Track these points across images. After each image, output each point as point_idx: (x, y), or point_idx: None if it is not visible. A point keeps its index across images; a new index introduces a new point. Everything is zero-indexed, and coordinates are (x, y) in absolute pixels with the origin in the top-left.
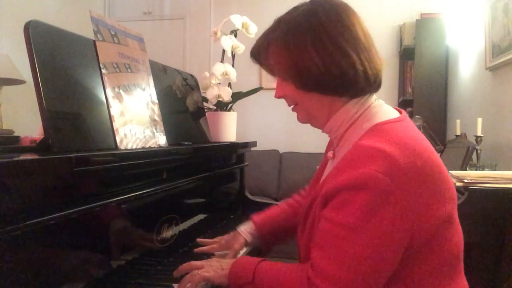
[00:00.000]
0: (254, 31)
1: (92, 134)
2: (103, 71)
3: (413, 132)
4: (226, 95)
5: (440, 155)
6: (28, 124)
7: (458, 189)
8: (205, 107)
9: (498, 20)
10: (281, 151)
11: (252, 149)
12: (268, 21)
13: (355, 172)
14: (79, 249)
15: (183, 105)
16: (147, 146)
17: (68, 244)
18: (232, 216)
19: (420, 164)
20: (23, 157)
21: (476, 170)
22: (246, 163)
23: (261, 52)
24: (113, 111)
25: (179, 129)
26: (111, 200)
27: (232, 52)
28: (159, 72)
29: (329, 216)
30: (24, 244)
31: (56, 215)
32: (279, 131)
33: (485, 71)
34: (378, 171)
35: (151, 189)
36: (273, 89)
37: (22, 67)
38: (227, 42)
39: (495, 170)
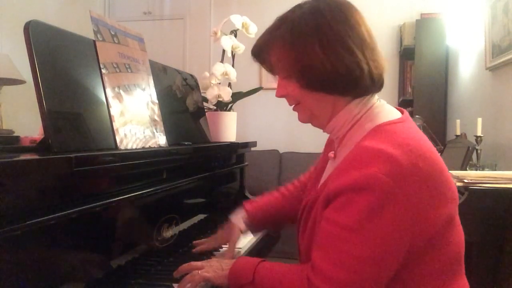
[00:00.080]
0: (254, 31)
1: (92, 134)
2: (103, 71)
3: (415, 133)
4: (226, 95)
5: (440, 155)
6: (28, 124)
7: (458, 189)
8: (205, 107)
9: (498, 20)
10: (281, 151)
11: (252, 149)
12: (268, 21)
13: (357, 173)
14: (79, 249)
15: (183, 105)
16: (147, 146)
17: (68, 244)
18: None
19: (423, 166)
20: (23, 157)
21: (476, 170)
22: (246, 163)
23: (263, 50)
24: (113, 111)
25: (179, 129)
26: (111, 200)
27: (232, 52)
28: (159, 72)
29: (331, 217)
30: (24, 244)
31: (56, 215)
32: (279, 131)
33: (485, 71)
34: (380, 173)
35: (151, 189)
36: (273, 89)
37: (22, 67)
38: (227, 42)
39: (495, 170)
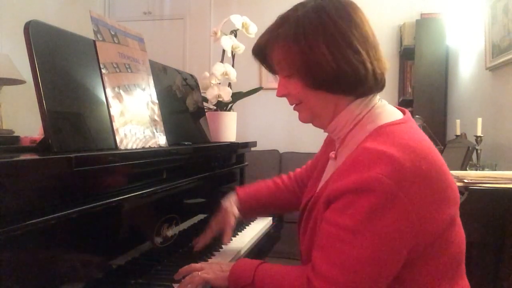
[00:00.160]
0: (254, 31)
1: (92, 134)
2: (103, 71)
3: (417, 133)
4: (226, 95)
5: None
6: (28, 124)
7: (458, 189)
8: (205, 107)
9: (498, 20)
10: (281, 151)
11: (252, 149)
12: (268, 21)
13: (360, 175)
14: (79, 249)
15: (183, 105)
16: (147, 146)
17: (68, 244)
18: None
19: (425, 167)
20: (23, 157)
21: (476, 170)
22: (246, 163)
23: (265, 49)
24: (113, 111)
25: (179, 129)
26: (111, 200)
27: (232, 52)
28: (159, 72)
29: (332, 218)
30: (24, 244)
31: (56, 215)
32: (279, 131)
33: (485, 71)
34: (382, 175)
35: (151, 189)
36: (273, 89)
37: (22, 67)
38: (227, 42)
39: (495, 170)
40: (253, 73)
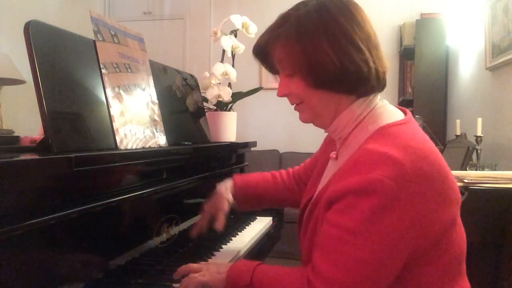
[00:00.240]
0: (254, 31)
1: (92, 134)
2: (103, 71)
3: (419, 134)
4: (226, 95)
5: None
6: (28, 124)
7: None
8: (205, 107)
9: (498, 20)
10: (281, 151)
11: (252, 149)
12: (268, 21)
13: (361, 176)
14: (79, 249)
15: (183, 105)
16: (147, 146)
17: (68, 244)
18: (232, 216)
19: (427, 169)
20: (23, 157)
21: (476, 170)
22: (246, 163)
23: (266, 48)
24: (113, 111)
25: (179, 129)
26: (111, 200)
27: (232, 52)
28: (159, 72)
29: (333, 220)
30: (24, 244)
31: (56, 215)
32: (279, 131)
33: (485, 71)
34: (384, 176)
35: (151, 189)
36: (273, 89)
37: (22, 67)
38: (227, 42)
39: (495, 170)
40: (253, 73)
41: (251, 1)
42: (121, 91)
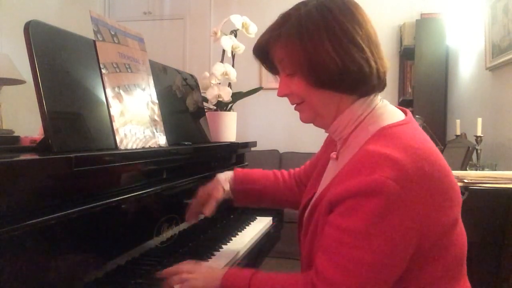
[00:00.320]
0: (254, 31)
1: (92, 134)
2: (103, 71)
3: (419, 134)
4: (226, 95)
5: None
6: (28, 124)
7: None
8: (205, 107)
9: (498, 20)
10: (281, 151)
11: (252, 149)
12: (268, 21)
13: (364, 178)
14: (79, 249)
15: (183, 105)
16: (147, 146)
17: (68, 244)
18: (232, 216)
19: (429, 169)
20: (23, 157)
21: (476, 170)
22: (246, 163)
23: (267, 47)
24: (113, 111)
25: (179, 129)
26: (111, 200)
27: (232, 52)
28: (159, 72)
29: (336, 222)
30: (24, 244)
31: (56, 215)
32: (279, 131)
33: (485, 71)
34: (387, 178)
35: (151, 189)
36: (273, 89)
37: (22, 67)
38: (227, 42)
39: (495, 170)
40: (253, 73)
41: (251, 1)
42: (121, 91)
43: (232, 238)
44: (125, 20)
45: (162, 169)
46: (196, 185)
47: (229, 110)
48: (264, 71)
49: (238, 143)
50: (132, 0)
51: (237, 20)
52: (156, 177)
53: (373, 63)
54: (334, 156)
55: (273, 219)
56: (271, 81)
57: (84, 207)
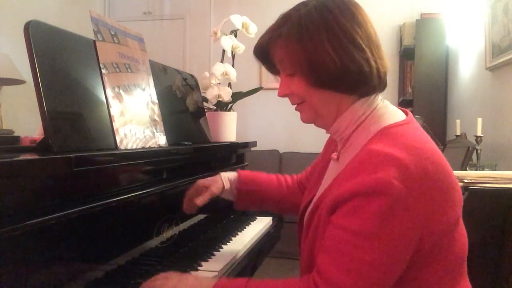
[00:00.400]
0: (254, 31)
1: (92, 134)
2: (103, 71)
3: (421, 135)
4: (226, 95)
5: None
6: (28, 124)
7: None
8: (205, 107)
9: (498, 20)
10: (281, 151)
11: (252, 149)
12: (268, 21)
13: (368, 177)
14: (79, 249)
15: (183, 105)
16: (147, 146)
17: (68, 244)
18: (232, 216)
19: (431, 169)
20: (23, 157)
21: (476, 170)
22: (246, 163)
23: (268, 47)
24: (113, 111)
25: (179, 129)
26: (111, 200)
27: (232, 52)
28: (159, 72)
29: (340, 223)
30: (24, 244)
31: (56, 215)
32: (279, 131)
33: (485, 71)
34: (392, 177)
35: (151, 189)
36: (273, 89)
37: (22, 67)
38: (227, 42)
39: (495, 170)
40: (253, 73)
41: (251, 1)
42: (121, 91)
43: (232, 238)
44: (125, 20)
45: (162, 169)
46: None
47: (229, 110)
48: (264, 71)
49: (238, 143)
50: (132, 0)
51: (237, 20)
52: (156, 177)
53: (373, 63)
54: (335, 156)
55: (273, 219)
56: (271, 81)
57: (84, 207)
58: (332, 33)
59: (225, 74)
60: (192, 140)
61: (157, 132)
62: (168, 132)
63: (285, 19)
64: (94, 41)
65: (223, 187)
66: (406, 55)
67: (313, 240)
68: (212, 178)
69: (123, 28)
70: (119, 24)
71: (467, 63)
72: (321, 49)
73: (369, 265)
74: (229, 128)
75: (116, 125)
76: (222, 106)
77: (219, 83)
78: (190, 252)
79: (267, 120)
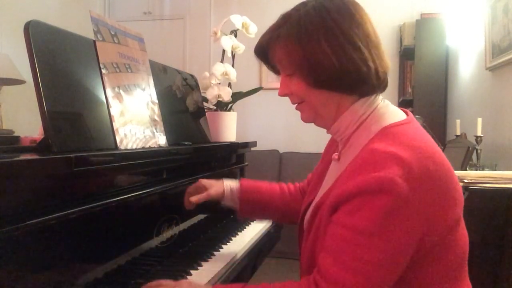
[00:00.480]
0: (254, 31)
1: (92, 134)
2: (103, 71)
3: (422, 134)
4: (226, 95)
5: None
6: (28, 124)
7: None
8: (205, 107)
9: (498, 20)
10: (281, 151)
11: (252, 149)
12: (268, 21)
13: (370, 176)
14: (79, 249)
15: (183, 105)
16: (147, 146)
17: (68, 244)
18: (232, 216)
19: (433, 168)
20: (23, 157)
21: (476, 170)
22: (246, 163)
23: (267, 48)
24: (113, 111)
25: (179, 129)
26: (111, 200)
27: (232, 52)
28: (159, 72)
29: (343, 221)
30: (24, 244)
31: (56, 215)
32: (279, 131)
33: (485, 71)
34: (396, 175)
35: (151, 189)
36: (273, 89)
37: (22, 67)
38: (227, 42)
39: (495, 170)
40: (253, 73)
41: (251, 1)
42: (121, 91)
43: (232, 238)
44: (125, 20)
45: (162, 169)
46: None
47: (229, 110)
48: (264, 71)
49: (238, 143)
50: (132, 0)
51: (237, 20)
52: (156, 177)
53: (371, 64)
54: (336, 157)
55: None
56: (271, 81)
57: (84, 207)
58: (330, 33)
59: (225, 74)
60: (192, 140)
61: (157, 132)
62: (168, 132)
63: (285, 19)
64: (94, 41)
65: (223, 192)
66: (406, 55)
67: (314, 242)
68: (214, 181)
69: (123, 28)
70: (119, 24)
71: (467, 63)
72: (319, 50)
73: (371, 264)
74: (229, 128)
75: (116, 125)
76: (222, 106)
77: (219, 83)
78: (190, 252)
79: (267, 120)
